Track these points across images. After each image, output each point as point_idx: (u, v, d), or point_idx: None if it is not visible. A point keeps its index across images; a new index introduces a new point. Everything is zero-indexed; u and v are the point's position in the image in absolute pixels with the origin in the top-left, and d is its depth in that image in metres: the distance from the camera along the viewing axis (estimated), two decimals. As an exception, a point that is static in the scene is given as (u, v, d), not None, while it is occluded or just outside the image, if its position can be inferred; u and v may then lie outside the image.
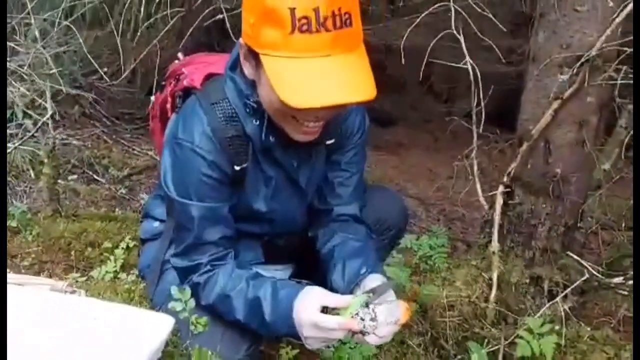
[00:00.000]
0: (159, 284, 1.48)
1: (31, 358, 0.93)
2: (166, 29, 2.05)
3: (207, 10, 1.94)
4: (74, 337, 0.96)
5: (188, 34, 1.90)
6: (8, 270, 1.17)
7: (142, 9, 1.98)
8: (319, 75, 1.11)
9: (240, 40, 1.23)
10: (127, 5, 2.55)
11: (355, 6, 1.15)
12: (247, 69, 1.26)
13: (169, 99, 1.52)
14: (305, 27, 1.08)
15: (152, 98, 1.62)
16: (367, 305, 1.20)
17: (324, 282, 1.50)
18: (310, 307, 1.20)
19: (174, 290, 1.24)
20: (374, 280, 1.31)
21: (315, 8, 1.08)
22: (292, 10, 1.08)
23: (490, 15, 1.70)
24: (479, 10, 1.69)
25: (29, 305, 1.01)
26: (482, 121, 1.91)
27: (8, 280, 1.03)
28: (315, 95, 1.11)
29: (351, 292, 1.32)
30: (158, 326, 1.00)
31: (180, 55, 1.65)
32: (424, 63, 1.77)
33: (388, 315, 1.21)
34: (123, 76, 2.27)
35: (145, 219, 1.66)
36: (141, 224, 1.68)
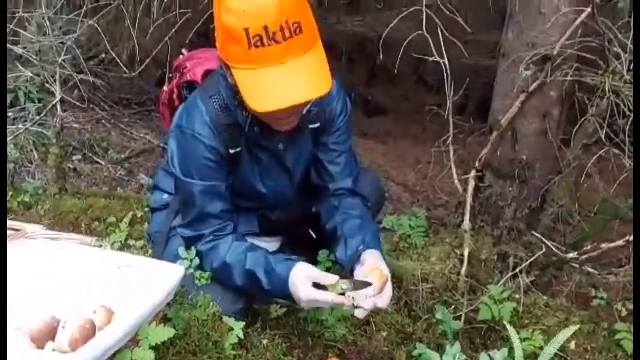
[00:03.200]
0: (166, 249, 1.67)
1: (65, 296, 1.14)
2: (174, 29, 2.24)
3: (208, 12, 2.11)
4: (102, 281, 1.17)
5: (192, 32, 2.07)
6: (42, 226, 1.36)
7: (153, 10, 2.15)
8: (276, 82, 1.33)
9: (217, 52, 1.44)
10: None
11: (305, 13, 1.34)
12: (228, 76, 1.46)
13: (175, 90, 1.74)
14: (258, 43, 1.30)
15: (165, 88, 1.82)
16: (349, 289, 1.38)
17: (307, 254, 1.70)
18: (304, 283, 1.40)
19: (181, 250, 1.44)
20: (371, 255, 1.51)
21: (265, 26, 1.29)
22: (246, 30, 1.30)
23: (458, 18, 1.90)
24: (447, 12, 1.88)
25: (63, 254, 1.21)
26: (449, 111, 2.09)
27: (44, 235, 1.23)
28: (275, 100, 1.32)
29: (352, 268, 1.51)
30: (171, 273, 1.20)
31: (184, 50, 1.85)
32: (399, 56, 1.96)
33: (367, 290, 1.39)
34: (140, 69, 2.45)
35: (155, 191, 1.86)
36: (151, 194, 1.88)
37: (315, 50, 1.36)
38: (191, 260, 1.45)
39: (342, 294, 1.37)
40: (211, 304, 1.42)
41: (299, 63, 1.32)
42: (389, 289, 1.43)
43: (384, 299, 1.41)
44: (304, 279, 1.41)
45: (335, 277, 1.40)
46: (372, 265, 1.45)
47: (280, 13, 1.29)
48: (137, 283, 1.15)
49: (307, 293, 1.39)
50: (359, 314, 1.40)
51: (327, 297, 1.37)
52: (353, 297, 1.37)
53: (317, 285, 1.40)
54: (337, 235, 1.62)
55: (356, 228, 1.59)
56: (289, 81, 1.32)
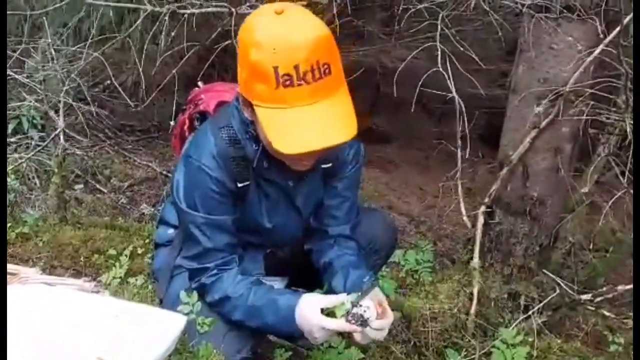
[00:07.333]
0: (169, 288, 1.62)
1: (60, 348, 1.07)
2: (183, 60, 2.23)
3: (221, 46, 2.11)
4: (99, 331, 1.10)
5: (205, 67, 2.06)
6: (38, 270, 1.31)
7: (161, 41, 2.16)
8: (304, 123, 1.29)
9: (238, 89, 1.41)
10: (133, 27, 2.74)
11: (334, 54, 1.31)
12: (246, 113, 1.43)
13: (187, 122, 1.72)
14: (288, 82, 1.26)
15: (172, 123, 1.80)
16: (356, 304, 1.38)
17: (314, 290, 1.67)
18: (313, 313, 1.38)
19: (182, 294, 1.38)
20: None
21: (296, 65, 1.25)
22: (276, 68, 1.25)
23: (472, 54, 1.87)
24: (461, 48, 1.86)
25: (59, 303, 1.15)
26: (461, 144, 2.07)
27: (41, 280, 1.17)
28: (302, 142, 1.28)
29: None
30: (172, 323, 1.14)
31: (200, 83, 1.83)
32: (416, 92, 1.93)
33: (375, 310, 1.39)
34: (146, 103, 2.44)
35: (161, 225, 1.81)
36: (157, 229, 1.83)
37: (342, 91, 1.34)
38: (193, 305, 1.39)
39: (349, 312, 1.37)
40: (214, 352, 1.35)
41: (328, 105, 1.29)
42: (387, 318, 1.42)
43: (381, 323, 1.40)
44: (313, 309, 1.38)
45: (341, 298, 1.39)
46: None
47: (312, 53, 1.26)
48: (137, 333, 1.09)
49: (317, 322, 1.36)
50: (371, 334, 1.38)
51: (335, 324, 1.36)
52: (360, 323, 1.36)
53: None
54: (332, 266, 1.62)
55: (354, 262, 1.60)
56: (319, 123, 1.28)
